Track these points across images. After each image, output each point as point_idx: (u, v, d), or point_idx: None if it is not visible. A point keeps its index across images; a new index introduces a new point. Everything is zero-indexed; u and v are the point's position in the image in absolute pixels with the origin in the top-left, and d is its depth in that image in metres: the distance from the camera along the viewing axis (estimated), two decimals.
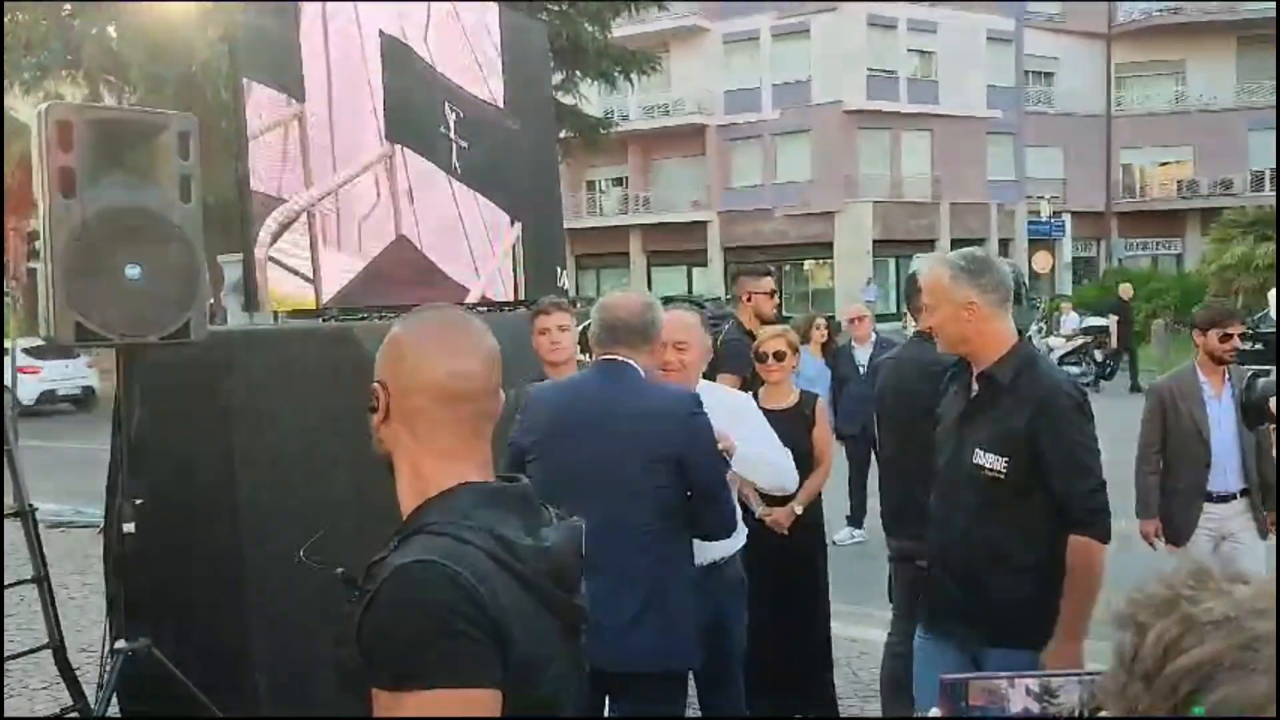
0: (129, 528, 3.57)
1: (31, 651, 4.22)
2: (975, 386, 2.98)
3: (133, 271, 3.39)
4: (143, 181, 3.46)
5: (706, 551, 3.34)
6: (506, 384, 1.63)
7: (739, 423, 3.55)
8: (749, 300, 5.49)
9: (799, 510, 4.38)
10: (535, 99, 5.92)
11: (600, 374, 3.08)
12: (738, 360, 4.91)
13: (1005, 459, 2.82)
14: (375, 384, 1.52)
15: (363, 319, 4.43)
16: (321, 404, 4.05)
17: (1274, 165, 31.26)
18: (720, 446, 3.20)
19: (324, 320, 4.38)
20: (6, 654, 4.26)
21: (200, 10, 15.02)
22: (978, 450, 2.88)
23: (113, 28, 17.44)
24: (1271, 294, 19.86)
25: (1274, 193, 30.89)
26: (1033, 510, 2.84)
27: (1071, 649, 2.75)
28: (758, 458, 3.57)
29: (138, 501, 3.60)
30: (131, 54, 16.32)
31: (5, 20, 18.15)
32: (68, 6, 18.57)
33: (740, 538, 3.54)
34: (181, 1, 13.79)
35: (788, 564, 4.40)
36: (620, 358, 3.02)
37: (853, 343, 8.33)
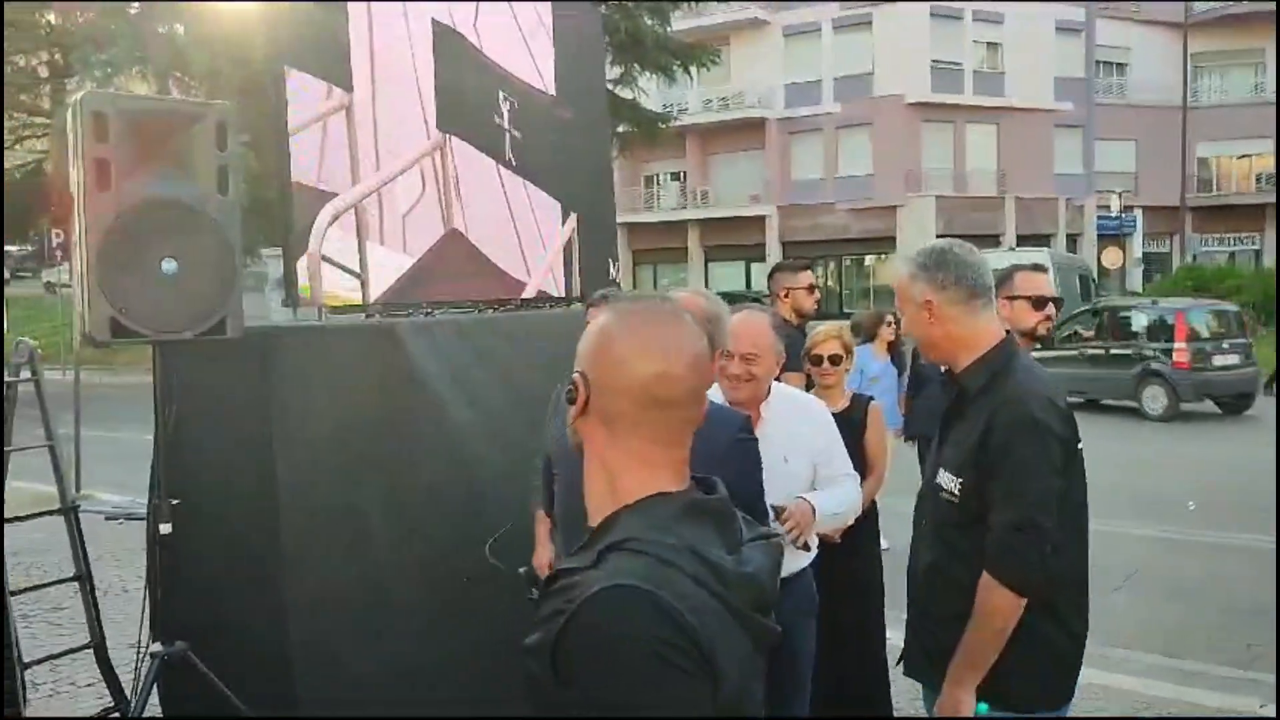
0: (165, 528, 3.48)
1: (70, 652, 4.17)
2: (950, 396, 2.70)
3: (169, 266, 3.29)
4: (179, 173, 3.36)
5: None
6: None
7: (808, 423, 3.37)
8: (786, 296, 5.15)
9: (850, 519, 4.18)
10: (588, 87, 5.75)
11: None
12: (796, 359, 4.68)
13: (959, 479, 2.51)
14: (576, 374, 1.45)
15: (407, 315, 4.30)
16: (362, 402, 3.94)
17: None
18: (792, 536, 2.99)
19: (368, 317, 4.26)
20: (48, 654, 4.22)
21: (262, 6, 15.20)
22: (940, 469, 2.61)
23: (180, 26, 17.68)
24: None
25: None
26: (982, 537, 2.46)
27: (955, 696, 2.44)
28: (832, 510, 3.32)
29: (174, 502, 3.51)
30: (196, 51, 16.53)
31: (74, 19, 18.56)
32: (136, 6, 18.87)
33: (810, 554, 3.35)
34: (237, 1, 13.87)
35: (842, 575, 4.18)
36: None
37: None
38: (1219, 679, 5.36)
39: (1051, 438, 2.44)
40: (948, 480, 2.55)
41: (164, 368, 3.62)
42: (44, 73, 20.31)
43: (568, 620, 1.23)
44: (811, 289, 5.19)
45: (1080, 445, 2.57)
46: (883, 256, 35.75)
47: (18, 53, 19.53)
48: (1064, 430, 2.47)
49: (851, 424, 4.32)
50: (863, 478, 4.26)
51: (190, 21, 17.03)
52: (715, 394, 3.18)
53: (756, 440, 2.79)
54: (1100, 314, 17.82)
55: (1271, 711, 4.83)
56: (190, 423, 4.02)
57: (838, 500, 3.35)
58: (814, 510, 3.15)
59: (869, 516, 4.32)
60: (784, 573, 3.19)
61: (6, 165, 20.62)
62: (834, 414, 4.30)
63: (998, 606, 2.41)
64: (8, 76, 18.47)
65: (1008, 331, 2.66)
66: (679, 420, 1.43)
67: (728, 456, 2.49)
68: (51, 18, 18.95)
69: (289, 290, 3.97)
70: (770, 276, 5.29)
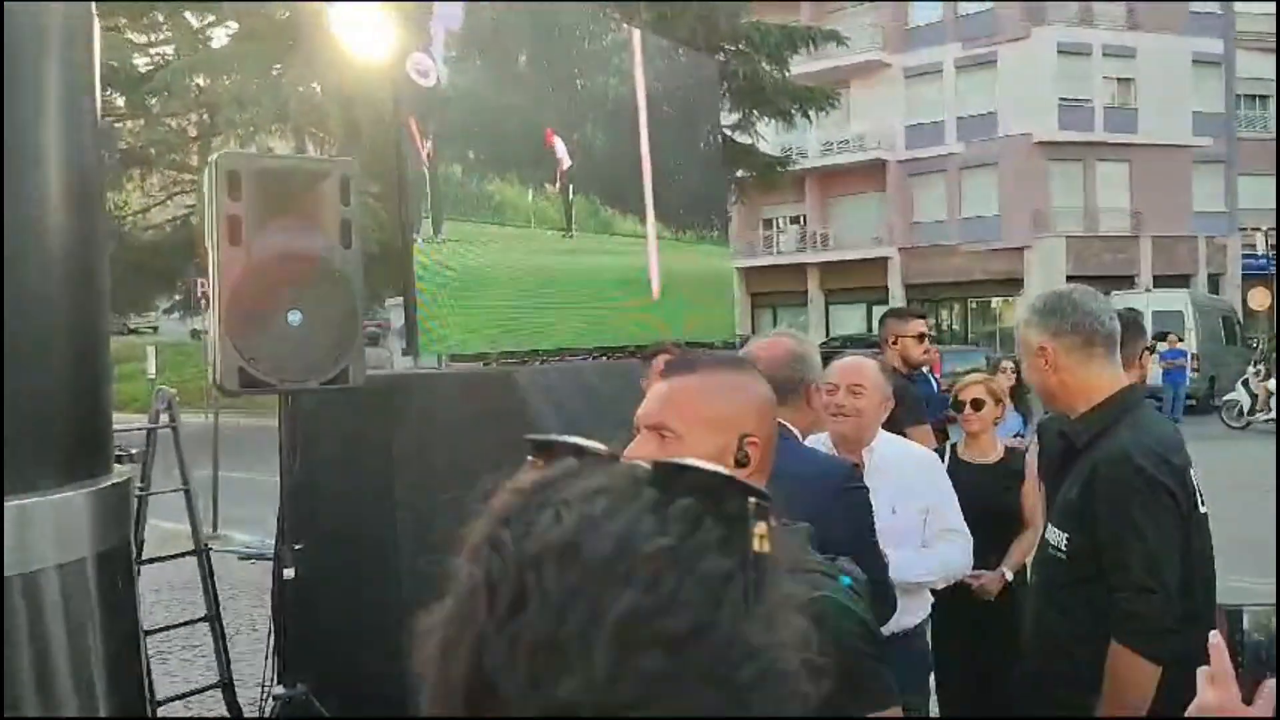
0: (289, 573, 3.57)
1: (199, 691, 4.30)
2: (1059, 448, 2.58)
3: (294, 317, 3.40)
4: (306, 227, 3.48)
5: (886, 624, 3.04)
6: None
7: (920, 476, 3.23)
8: (895, 344, 4.86)
9: (1009, 576, 4.00)
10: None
11: None
12: (916, 409, 4.52)
13: (1065, 535, 2.40)
14: (747, 437, 1.53)
15: (523, 363, 4.36)
16: (480, 447, 3.99)
17: None
18: None
19: (485, 365, 4.32)
20: (176, 693, 4.37)
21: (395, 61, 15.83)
22: (1049, 525, 2.50)
23: (318, 85, 18.55)
24: None
25: None
26: (1096, 599, 2.33)
27: None
28: (921, 564, 3.14)
29: (297, 546, 3.59)
30: (332, 108, 17.29)
31: (221, 81, 19.65)
32: (278, 66, 19.88)
33: (923, 610, 3.21)
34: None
35: (984, 626, 4.01)
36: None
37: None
38: None
39: (1162, 491, 2.29)
40: (1055, 535, 2.45)
41: (290, 415, 3.73)
42: (193, 132, 21.53)
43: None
44: (921, 338, 4.92)
45: (1204, 510, 2.39)
46: (1009, 299, 34.79)
47: (170, 115, 20.73)
48: (1177, 487, 2.31)
49: (1008, 475, 4.15)
50: (1017, 531, 4.10)
51: (326, 80, 17.84)
52: (823, 441, 3.10)
53: (866, 489, 2.69)
54: None
55: None
56: (316, 469, 4.14)
57: (930, 563, 3.17)
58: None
59: (1019, 572, 4.14)
60: (897, 629, 3.10)
61: (159, 220, 21.86)
62: (986, 465, 4.16)
63: (1132, 678, 2.25)
64: (160, 137, 19.64)
65: (1134, 384, 2.54)
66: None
67: (836, 506, 2.42)
68: (200, 80, 20.09)
69: (410, 338, 4.06)
70: (881, 322, 5.09)
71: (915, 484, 3.18)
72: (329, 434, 4.03)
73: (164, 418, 4.32)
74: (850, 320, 35.58)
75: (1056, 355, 2.46)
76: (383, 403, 4.00)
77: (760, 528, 0.61)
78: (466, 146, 4.25)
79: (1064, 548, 2.40)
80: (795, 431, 2.63)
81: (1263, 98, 36.11)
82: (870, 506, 2.65)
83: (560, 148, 4.71)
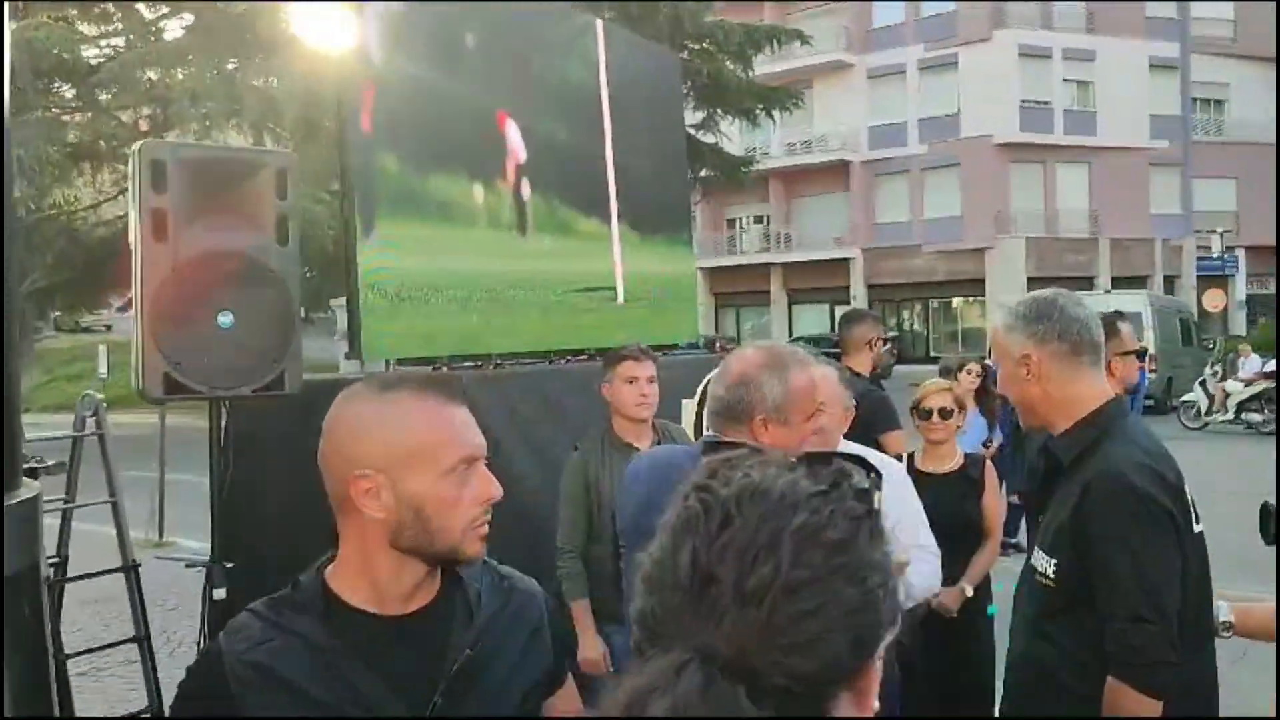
0: (220, 594, 3.32)
1: (131, 717, 4.03)
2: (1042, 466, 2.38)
3: (225, 319, 3.16)
4: (238, 223, 3.24)
5: None
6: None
7: (885, 491, 3.03)
8: (872, 348, 4.62)
9: (969, 591, 3.84)
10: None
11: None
12: (889, 415, 4.35)
13: (1054, 561, 2.20)
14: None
15: (475, 367, 4.14)
16: None
17: None
18: None
19: (435, 368, 4.10)
20: (106, 715, 4.10)
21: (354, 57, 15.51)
22: (1036, 550, 2.30)
23: (275, 79, 18.17)
24: None
25: None
26: (1085, 627, 2.15)
27: None
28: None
29: (229, 565, 3.35)
30: (288, 102, 16.95)
31: (173, 75, 19.21)
32: (233, 60, 19.47)
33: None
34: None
35: (947, 640, 3.85)
36: (734, 440, 2.26)
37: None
38: None
39: (1160, 510, 2.09)
40: (1042, 562, 2.24)
41: (228, 423, 3.49)
42: (145, 127, 21.03)
43: None
44: (884, 340, 4.77)
45: (1199, 529, 2.20)
46: (971, 300, 34.96)
47: (120, 108, 20.23)
48: (1174, 506, 2.12)
49: (967, 484, 4.00)
50: (977, 542, 3.94)
51: (283, 76, 17.48)
52: None
53: None
54: None
55: None
56: (254, 482, 3.89)
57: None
58: None
59: (981, 586, 3.99)
60: None
61: (110, 216, 21.34)
62: (946, 474, 4.00)
63: (1128, 709, 2.07)
64: (110, 131, 19.15)
65: (1118, 395, 2.34)
66: None
67: None
68: (153, 74, 19.62)
69: (353, 342, 3.83)
70: (848, 324, 4.76)
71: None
72: (267, 443, 3.79)
73: (90, 424, 4.04)
74: (812, 321, 35.60)
75: (1041, 364, 2.25)
76: (321, 408, 3.76)
77: (879, 494, 0.92)
78: (404, 138, 4.01)
79: (1052, 574, 2.20)
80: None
81: (1217, 102, 36.55)
82: None
83: (514, 135, 4.47)
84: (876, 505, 0.90)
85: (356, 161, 3.82)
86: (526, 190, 4.56)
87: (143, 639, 3.98)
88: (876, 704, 0.91)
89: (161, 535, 9.75)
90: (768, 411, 2.31)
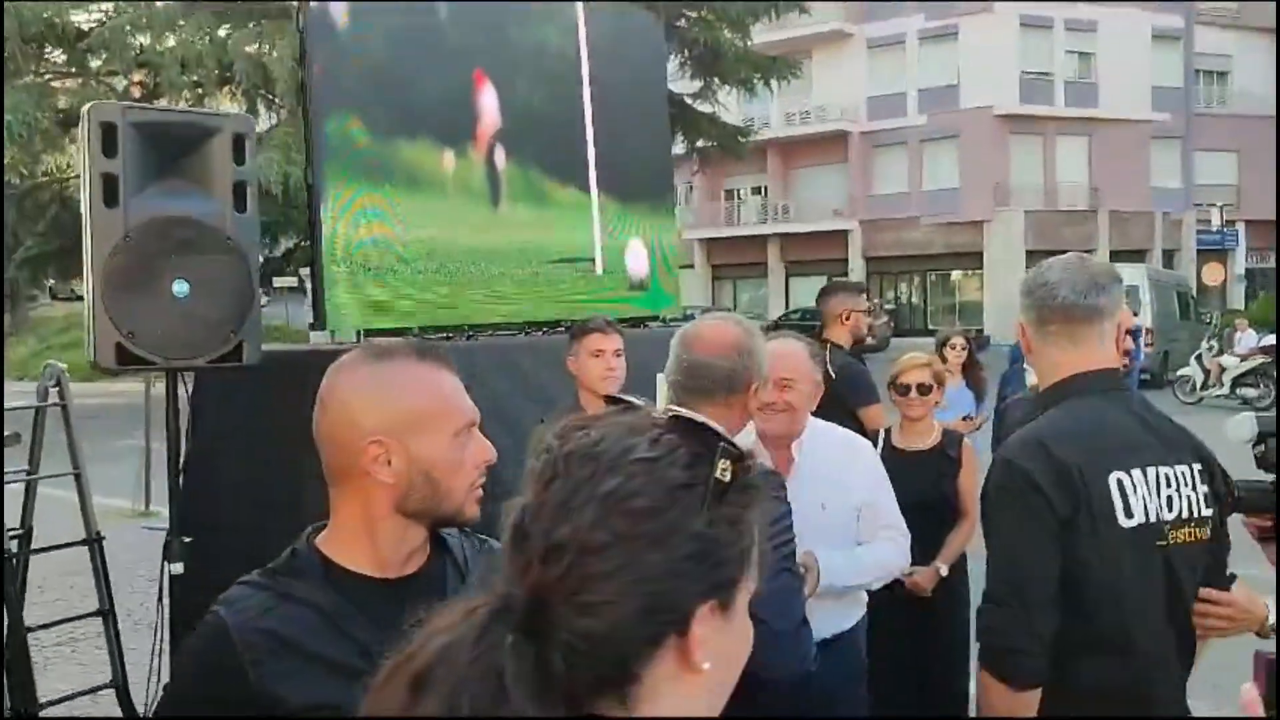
0: (177, 569, 3.26)
1: (88, 692, 3.99)
2: None
3: (180, 288, 3.08)
4: (193, 189, 3.15)
5: (816, 625, 2.78)
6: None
7: (853, 468, 2.95)
8: (846, 320, 4.47)
9: (944, 571, 3.78)
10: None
11: None
12: (867, 389, 4.27)
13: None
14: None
15: (447, 339, 4.06)
16: None
17: None
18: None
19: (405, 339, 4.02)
20: (71, 692, 4.05)
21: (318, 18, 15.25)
22: None
23: (268, 46, 17.95)
24: None
25: None
26: None
27: None
28: (852, 567, 2.87)
29: (187, 540, 3.29)
30: (280, 69, 16.79)
31: (164, 40, 18.98)
32: (226, 26, 19.26)
33: (858, 612, 2.97)
34: None
35: (922, 618, 3.79)
36: (695, 416, 2.24)
37: (1027, 364, 7.41)
38: None
39: (1029, 491, 1.97)
40: None
41: (191, 396, 3.41)
42: (136, 94, 20.77)
43: None
44: (869, 312, 4.61)
45: (1137, 522, 2.00)
46: (969, 272, 34.83)
47: (110, 74, 20.03)
48: (1054, 488, 1.96)
49: (944, 462, 3.92)
50: (954, 521, 3.87)
51: (276, 42, 17.29)
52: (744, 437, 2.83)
53: (788, 507, 2.34)
54: None
55: None
56: (216, 454, 3.83)
57: (861, 565, 2.90)
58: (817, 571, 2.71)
59: (957, 565, 3.92)
60: (827, 633, 2.84)
61: None
62: (922, 451, 3.92)
63: (992, 705, 1.99)
64: (100, 97, 18.95)
65: (1104, 369, 2.14)
66: None
67: None
68: (143, 39, 19.39)
69: (317, 312, 3.75)
70: (824, 297, 4.64)
71: (847, 477, 2.91)
72: (231, 416, 3.72)
73: (53, 394, 3.97)
74: (810, 293, 35.41)
75: (1027, 333, 2.20)
76: (290, 381, 3.68)
77: (724, 464, 0.91)
78: (371, 103, 3.91)
79: None
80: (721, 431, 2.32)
81: (1220, 74, 36.25)
82: (790, 533, 2.31)
83: (489, 100, 4.35)
84: (722, 475, 0.91)
85: (320, 127, 3.72)
86: (501, 158, 4.46)
87: (107, 612, 3.94)
88: (707, 665, 0.90)
89: (147, 505, 9.69)
90: (763, 379, 2.33)
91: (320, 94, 3.76)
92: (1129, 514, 2.01)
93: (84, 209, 3.02)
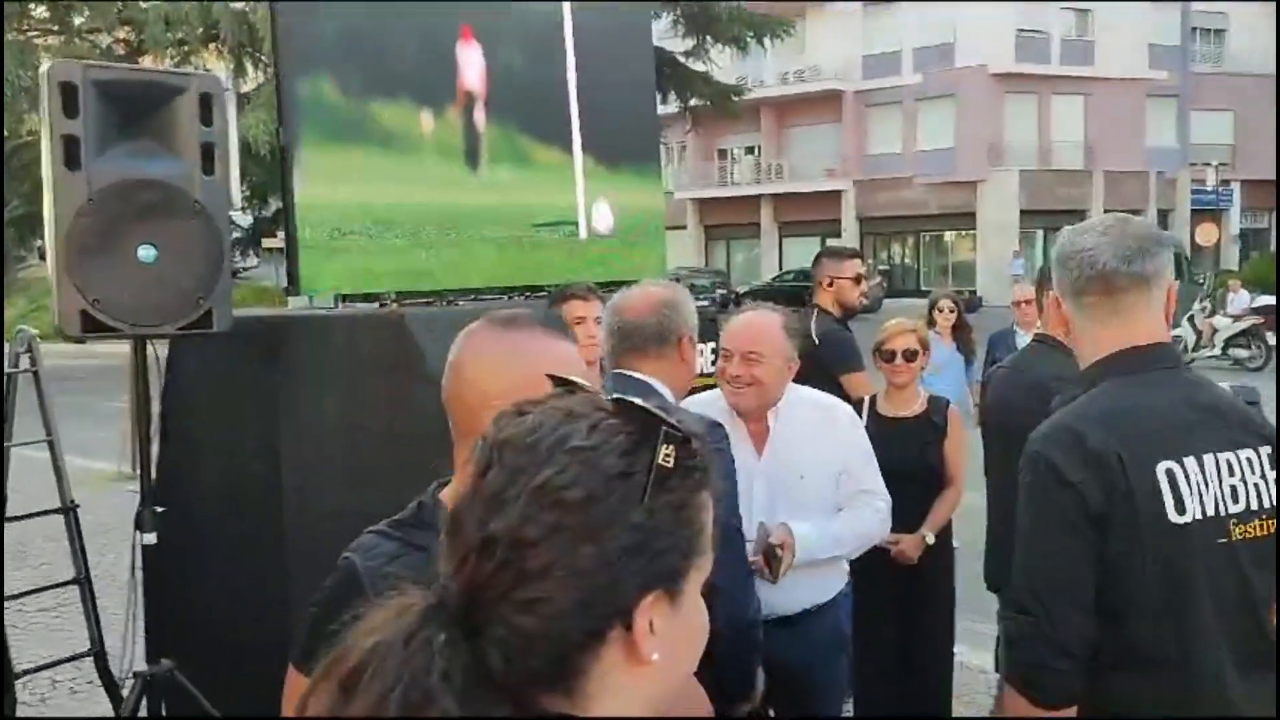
0: (150, 539, 3.21)
1: (72, 659, 3.96)
2: None
3: (146, 253, 2.99)
4: (159, 150, 3.06)
5: (796, 595, 2.75)
6: None
7: (832, 434, 2.90)
8: (829, 286, 4.43)
9: (930, 539, 3.74)
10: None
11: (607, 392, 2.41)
12: (850, 356, 4.21)
13: None
14: None
15: (427, 304, 3.99)
16: (372, 399, 3.63)
17: None
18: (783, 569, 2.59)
19: (382, 305, 3.95)
20: (50, 660, 4.03)
21: None
22: None
23: (254, 2, 17.68)
24: None
25: None
26: None
27: None
28: (829, 538, 2.83)
29: (160, 509, 3.23)
30: (265, 25, 16.51)
31: None
32: None
33: (839, 582, 2.93)
34: None
35: (908, 583, 3.76)
36: (633, 373, 2.37)
37: (1016, 327, 7.30)
38: None
39: (1056, 484, 1.77)
40: None
41: (145, 365, 3.32)
42: (120, 52, 20.48)
43: None
44: (859, 279, 4.49)
45: (1185, 520, 1.78)
46: (963, 233, 34.70)
47: (93, 31, 19.73)
48: (1088, 482, 1.75)
49: (929, 429, 3.88)
50: (940, 488, 3.84)
51: None
52: (709, 402, 2.79)
53: (730, 456, 2.30)
54: None
55: None
56: (190, 423, 3.76)
57: (839, 537, 2.86)
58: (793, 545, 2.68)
59: (943, 533, 3.89)
60: (809, 604, 2.82)
61: None
62: (908, 418, 3.87)
63: (1013, 714, 1.82)
64: (83, 54, 18.66)
65: (1156, 344, 1.90)
66: None
67: None
68: None
69: (291, 276, 3.67)
70: (815, 262, 4.63)
71: (825, 444, 2.86)
72: (203, 383, 3.65)
73: (24, 360, 3.90)
74: (804, 253, 35.29)
75: (1061, 307, 1.99)
76: (265, 347, 3.61)
77: (666, 449, 0.88)
78: (342, 61, 3.80)
79: None
80: (665, 390, 2.30)
81: (1217, 31, 35.94)
82: (732, 479, 2.29)
83: (471, 57, 4.24)
84: (665, 461, 0.87)
85: (292, 87, 3.62)
86: (481, 118, 4.36)
87: (83, 581, 3.90)
88: (655, 656, 0.87)
89: (135, 468, 9.67)
90: (692, 331, 2.42)
91: (291, 53, 3.66)
92: (1181, 509, 1.78)
93: (44, 172, 2.93)
